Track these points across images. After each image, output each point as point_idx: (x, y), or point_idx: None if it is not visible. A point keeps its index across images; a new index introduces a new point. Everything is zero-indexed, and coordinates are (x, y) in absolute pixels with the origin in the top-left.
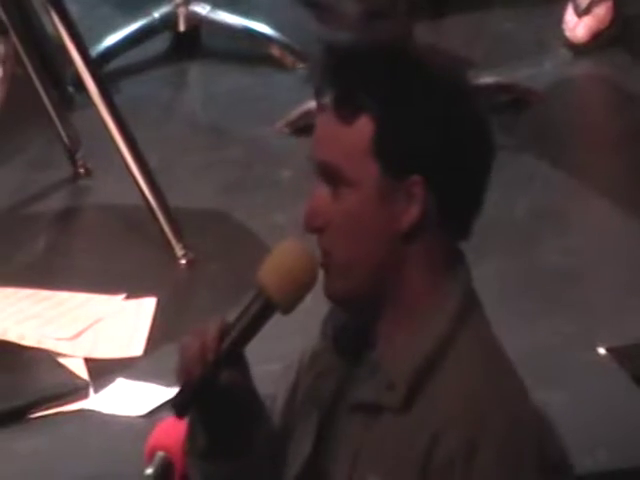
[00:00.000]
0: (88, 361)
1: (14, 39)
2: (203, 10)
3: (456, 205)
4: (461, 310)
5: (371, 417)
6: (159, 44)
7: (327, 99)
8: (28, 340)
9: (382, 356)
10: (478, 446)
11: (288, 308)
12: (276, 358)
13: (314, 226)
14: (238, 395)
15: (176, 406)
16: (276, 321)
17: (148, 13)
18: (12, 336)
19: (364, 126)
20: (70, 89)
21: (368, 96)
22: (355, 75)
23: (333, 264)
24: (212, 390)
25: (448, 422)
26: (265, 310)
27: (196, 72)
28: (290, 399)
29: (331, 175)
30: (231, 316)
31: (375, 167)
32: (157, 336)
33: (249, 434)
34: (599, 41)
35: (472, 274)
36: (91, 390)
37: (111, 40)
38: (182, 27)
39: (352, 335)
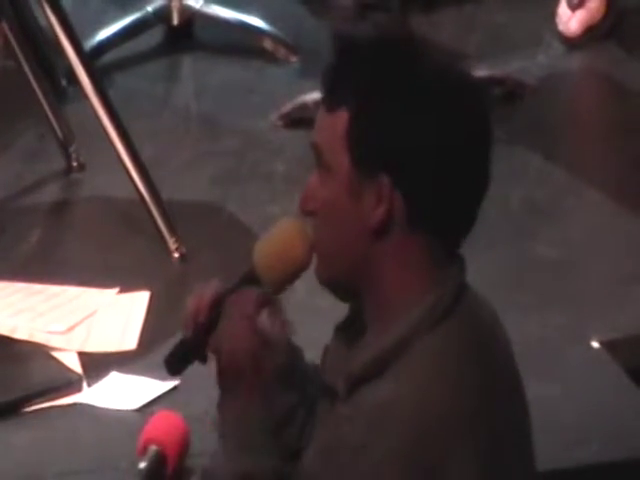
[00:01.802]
0: (81, 355)
1: (7, 31)
2: (196, 3)
3: (431, 214)
4: (432, 314)
5: (331, 401)
6: (152, 37)
7: None
8: (20, 333)
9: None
10: (364, 452)
11: (276, 290)
12: None
13: (305, 209)
14: None
15: (167, 363)
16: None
17: (141, 7)
18: (4, 330)
19: (342, 117)
20: (63, 82)
21: (347, 90)
22: (343, 66)
23: (317, 248)
24: (201, 352)
25: (354, 420)
26: (254, 287)
27: (189, 65)
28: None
29: (317, 157)
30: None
31: (347, 159)
32: (151, 329)
33: None
34: (592, 34)
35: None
36: (84, 384)
37: (104, 33)
38: (175, 21)
39: (348, 325)
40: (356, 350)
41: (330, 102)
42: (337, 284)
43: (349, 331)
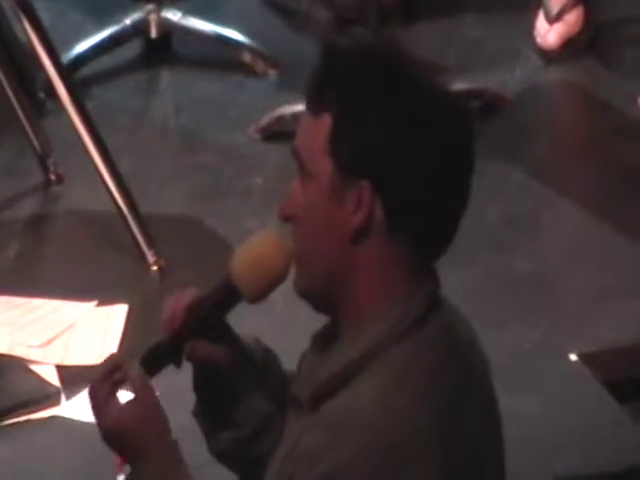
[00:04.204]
0: (60, 368)
1: None
2: (174, 17)
3: (410, 222)
4: (400, 326)
5: (298, 410)
6: (130, 50)
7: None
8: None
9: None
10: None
11: (253, 299)
12: None
13: (284, 214)
14: (210, 366)
15: (143, 363)
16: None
17: (119, 20)
18: None
19: (325, 122)
20: (41, 95)
21: (332, 94)
22: (328, 71)
23: (295, 256)
24: (176, 357)
25: (312, 429)
26: (230, 296)
27: (167, 78)
28: None
29: (298, 162)
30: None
31: (329, 164)
32: (129, 342)
33: (230, 408)
34: (570, 48)
35: (441, 284)
36: (63, 397)
37: (82, 46)
38: (154, 34)
39: (325, 334)
40: (327, 359)
41: (314, 106)
42: (314, 293)
43: (325, 339)
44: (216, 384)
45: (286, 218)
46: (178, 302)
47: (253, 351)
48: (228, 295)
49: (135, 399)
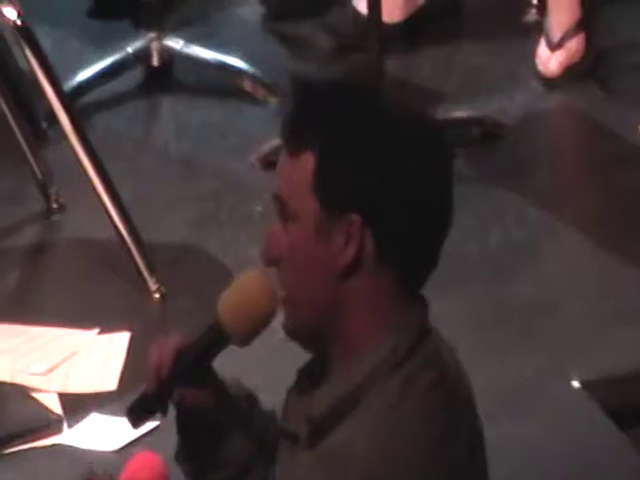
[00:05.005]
0: (62, 396)
1: None
2: (176, 45)
3: (399, 250)
4: (393, 357)
5: (292, 446)
6: (132, 78)
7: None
8: (1, 375)
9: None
10: None
11: (242, 342)
12: None
13: (268, 258)
14: (197, 411)
15: (129, 415)
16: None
17: (121, 48)
18: None
19: (307, 161)
20: (43, 123)
21: (312, 132)
22: (304, 110)
23: (283, 296)
24: (163, 405)
25: (311, 466)
26: (219, 340)
27: (169, 106)
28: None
29: (280, 208)
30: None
31: (315, 203)
32: (131, 370)
33: (214, 449)
34: (571, 74)
35: (441, 310)
36: (65, 425)
37: (84, 74)
38: (155, 61)
39: (311, 370)
40: (319, 394)
41: (294, 146)
42: (304, 332)
43: (312, 375)
44: (201, 425)
45: (270, 262)
46: (163, 351)
47: (235, 395)
48: (217, 340)
49: None
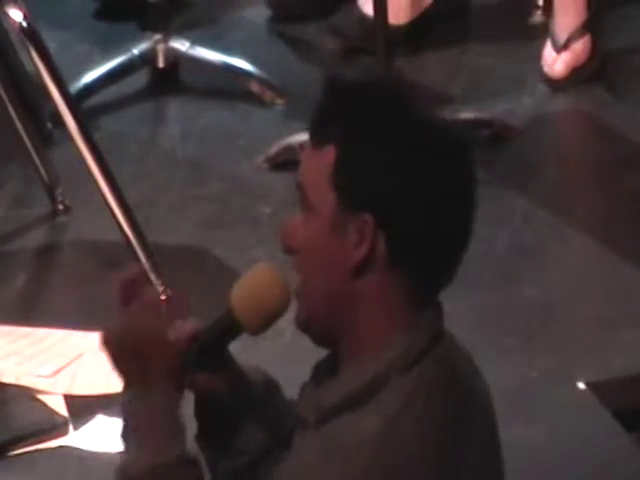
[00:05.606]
0: (67, 398)
1: None
2: (182, 46)
3: (411, 256)
4: (405, 357)
5: (303, 432)
6: (138, 80)
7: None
8: (7, 377)
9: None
10: None
11: (255, 331)
12: None
13: (285, 246)
14: (211, 395)
15: None
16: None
17: (127, 50)
18: None
19: (328, 155)
20: (49, 125)
21: (336, 127)
22: (333, 104)
23: (297, 289)
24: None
25: (315, 445)
26: (232, 329)
27: (175, 108)
28: None
29: (301, 197)
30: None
31: (332, 196)
32: None
33: (230, 434)
34: (577, 76)
35: (448, 312)
36: (71, 427)
37: (90, 76)
38: (161, 63)
39: (327, 365)
40: (329, 386)
41: (318, 138)
42: (315, 326)
43: (326, 371)
44: (216, 411)
45: (288, 250)
46: (179, 333)
47: (253, 381)
48: (230, 328)
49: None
